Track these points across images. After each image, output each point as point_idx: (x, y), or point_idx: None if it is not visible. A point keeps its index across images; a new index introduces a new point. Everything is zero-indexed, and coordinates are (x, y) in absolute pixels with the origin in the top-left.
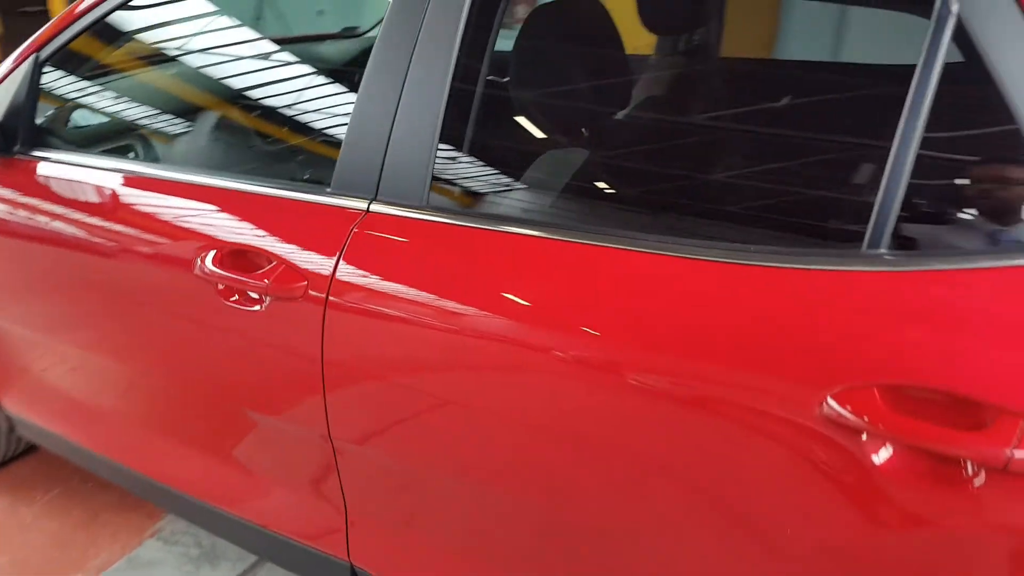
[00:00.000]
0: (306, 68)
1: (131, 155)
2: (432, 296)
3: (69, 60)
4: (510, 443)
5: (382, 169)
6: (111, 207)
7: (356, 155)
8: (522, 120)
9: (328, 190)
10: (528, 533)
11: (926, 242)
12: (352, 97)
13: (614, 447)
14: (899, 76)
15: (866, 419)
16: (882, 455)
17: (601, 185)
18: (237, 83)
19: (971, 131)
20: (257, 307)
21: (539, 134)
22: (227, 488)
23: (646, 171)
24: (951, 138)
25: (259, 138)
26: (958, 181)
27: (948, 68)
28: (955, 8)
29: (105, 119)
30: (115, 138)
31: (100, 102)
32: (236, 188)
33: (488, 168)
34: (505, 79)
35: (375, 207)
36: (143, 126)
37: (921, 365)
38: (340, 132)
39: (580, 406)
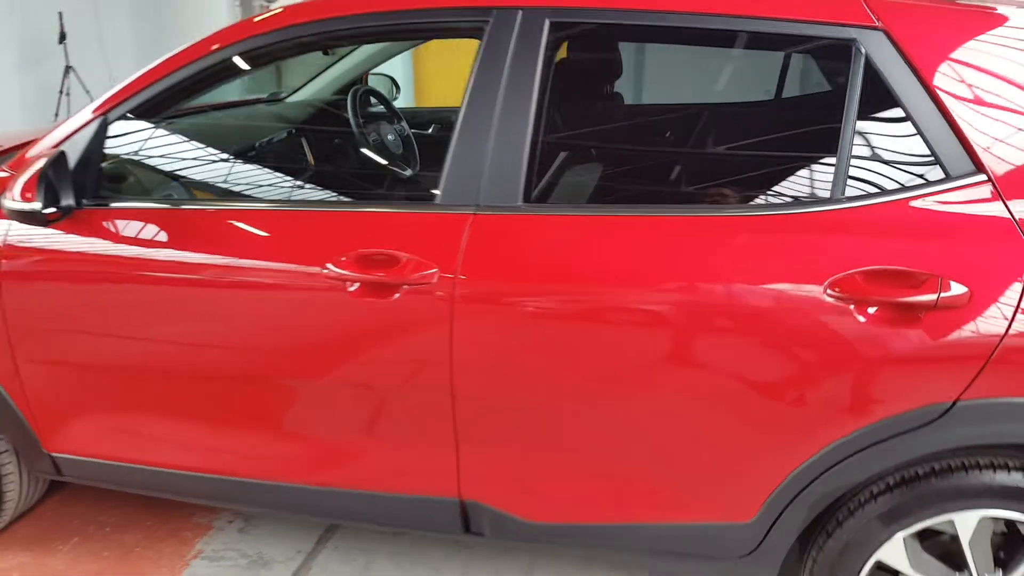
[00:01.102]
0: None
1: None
2: (530, 264)
3: (133, 120)
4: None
5: (482, 180)
6: (220, 239)
7: (459, 174)
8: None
9: (437, 203)
10: (607, 449)
11: None
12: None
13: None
14: None
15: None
16: None
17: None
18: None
19: None
20: (390, 296)
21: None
22: (343, 469)
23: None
24: None
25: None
26: None
27: None
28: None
29: (182, 166)
30: (205, 182)
31: (170, 152)
32: (353, 210)
33: (561, 177)
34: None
35: (482, 209)
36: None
37: None
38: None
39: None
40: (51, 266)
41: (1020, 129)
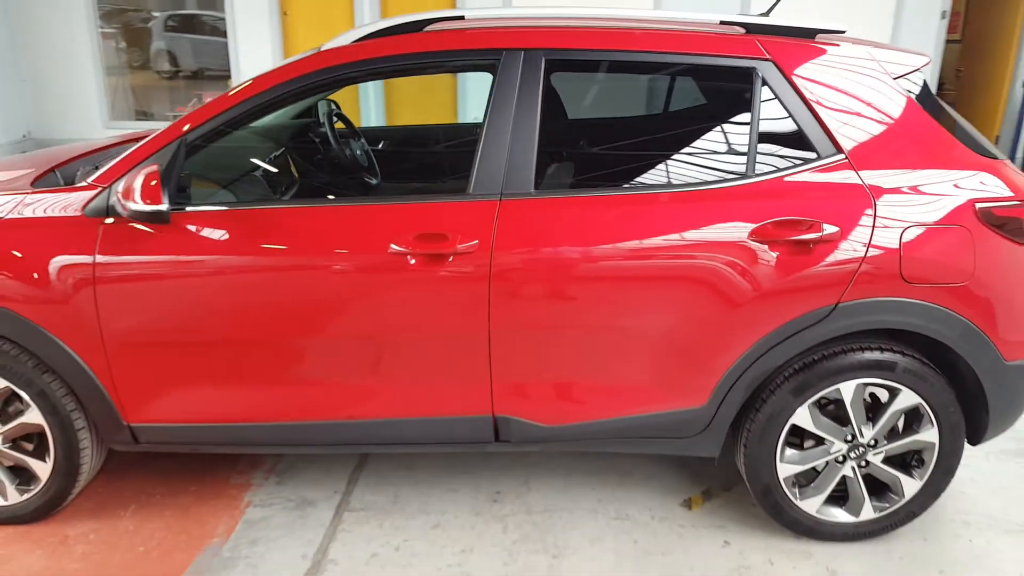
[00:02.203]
0: None
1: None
2: (542, 234)
3: (208, 138)
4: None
5: (505, 173)
6: (291, 233)
7: (487, 170)
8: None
9: (468, 193)
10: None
11: None
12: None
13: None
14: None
15: None
16: None
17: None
18: None
19: None
20: (442, 264)
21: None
22: (403, 402)
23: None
24: None
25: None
26: None
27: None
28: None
29: (248, 173)
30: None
31: (235, 163)
32: (403, 202)
33: (558, 170)
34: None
35: (512, 195)
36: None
37: None
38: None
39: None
40: (143, 262)
41: (858, 120)
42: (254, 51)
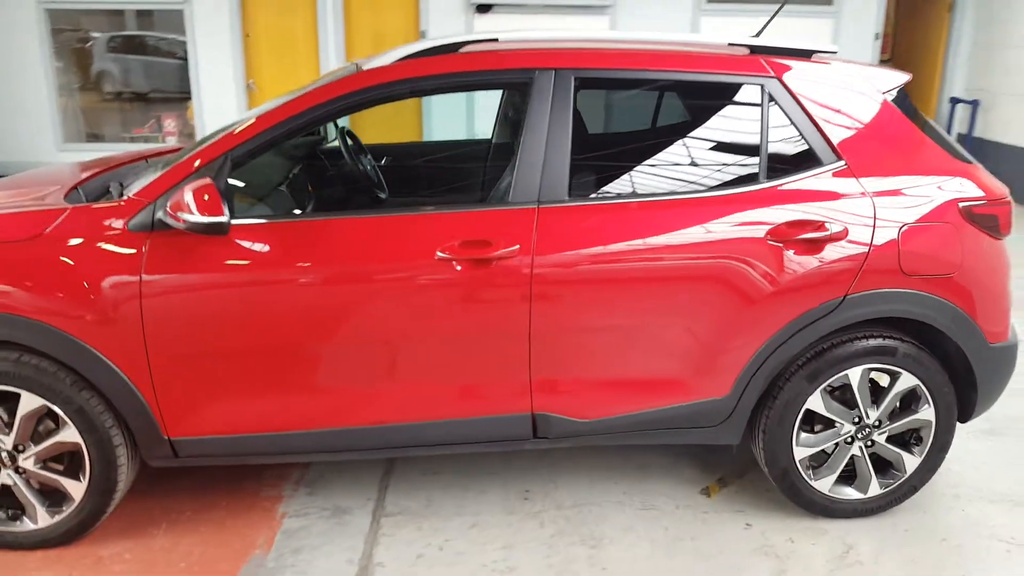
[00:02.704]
0: None
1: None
2: (578, 239)
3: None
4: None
5: (540, 183)
6: (347, 240)
7: (524, 181)
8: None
9: (507, 202)
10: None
11: None
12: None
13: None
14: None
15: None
16: None
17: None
18: None
19: None
20: (486, 268)
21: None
22: (449, 404)
23: None
24: None
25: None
26: None
27: None
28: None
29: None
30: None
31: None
32: (447, 211)
33: (588, 180)
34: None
35: (549, 203)
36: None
37: None
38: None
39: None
40: (192, 275)
41: (855, 131)
42: (215, 72)
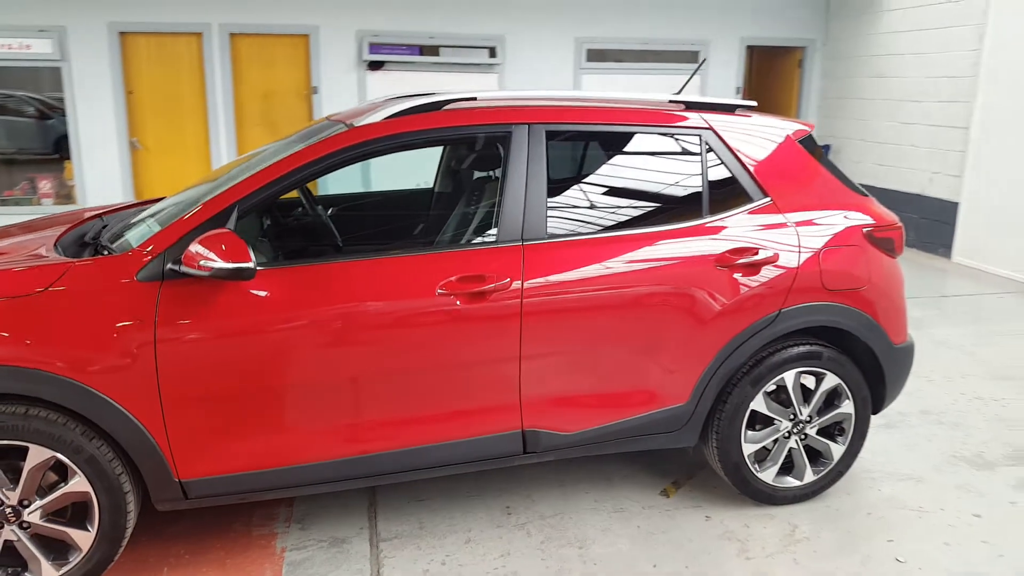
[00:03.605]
0: None
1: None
2: (558, 272)
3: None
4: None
5: (523, 224)
6: (346, 284)
7: (509, 223)
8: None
9: (495, 242)
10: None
11: None
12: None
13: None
14: None
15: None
16: None
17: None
18: None
19: None
20: (482, 301)
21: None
22: (448, 427)
23: None
24: None
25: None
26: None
27: None
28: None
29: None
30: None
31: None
32: (456, 250)
33: (562, 219)
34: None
35: (530, 241)
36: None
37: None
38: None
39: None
40: (204, 322)
41: (776, 172)
42: (97, 130)
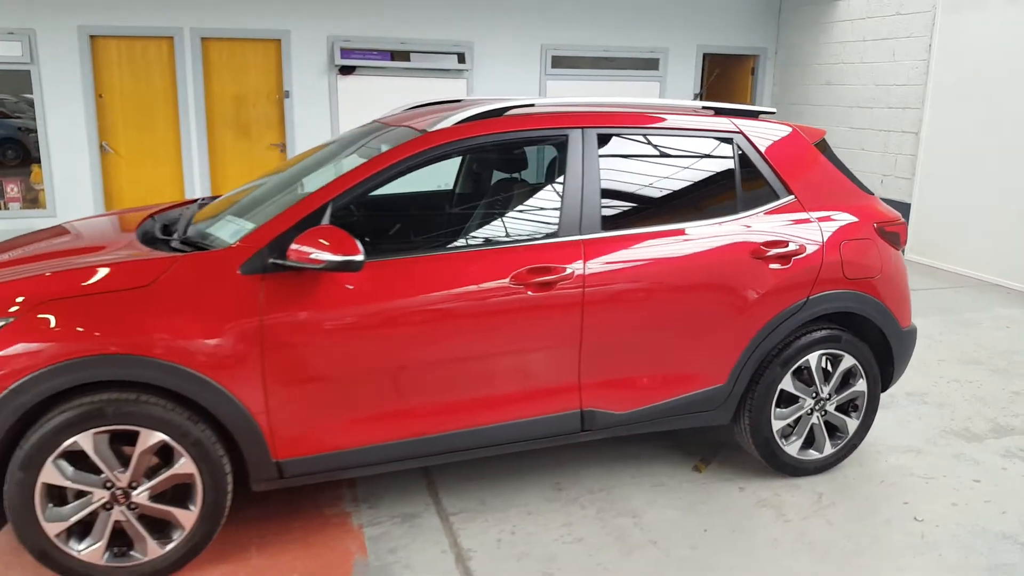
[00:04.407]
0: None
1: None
2: (619, 261)
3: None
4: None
5: (580, 220)
6: (432, 276)
7: (569, 219)
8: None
9: (556, 236)
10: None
11: None
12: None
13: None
14: None
15: None
16: None
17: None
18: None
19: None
20: (548, 290)
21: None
22: (518, 407)
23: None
24: None
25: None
26: None
27: None
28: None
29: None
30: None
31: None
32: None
33: (613, 214)
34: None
35: (588, 236)
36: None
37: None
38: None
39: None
40: (306, 311)
41: (799, 172)
42: (66, 134)
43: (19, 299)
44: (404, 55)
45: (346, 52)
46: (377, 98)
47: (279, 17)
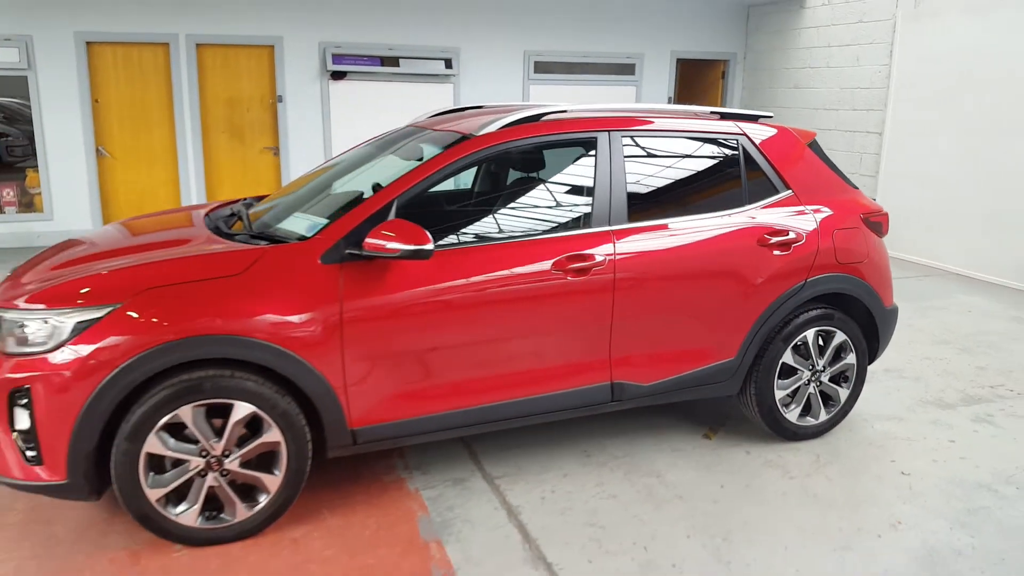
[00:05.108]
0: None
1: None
2: (640, 246)
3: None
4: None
5: (610, 212)
6: (486, 264)
7: (599, 212)
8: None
9: (590, 227)
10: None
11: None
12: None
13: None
14: None
15: None
16: None
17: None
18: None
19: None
20: (584, 276)
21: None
22: (555, 380)
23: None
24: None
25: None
26: None
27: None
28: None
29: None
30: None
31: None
32: (554, 236)
33: (638, 207)
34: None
35: (616, 227)
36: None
37: None
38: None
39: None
40: (381, 294)
41: (794, 169)
42: (63, 139)
43: (126, 287)
44: (393, 60)
45: (337, 58)
46: (368, 102)
47: (272, 24)
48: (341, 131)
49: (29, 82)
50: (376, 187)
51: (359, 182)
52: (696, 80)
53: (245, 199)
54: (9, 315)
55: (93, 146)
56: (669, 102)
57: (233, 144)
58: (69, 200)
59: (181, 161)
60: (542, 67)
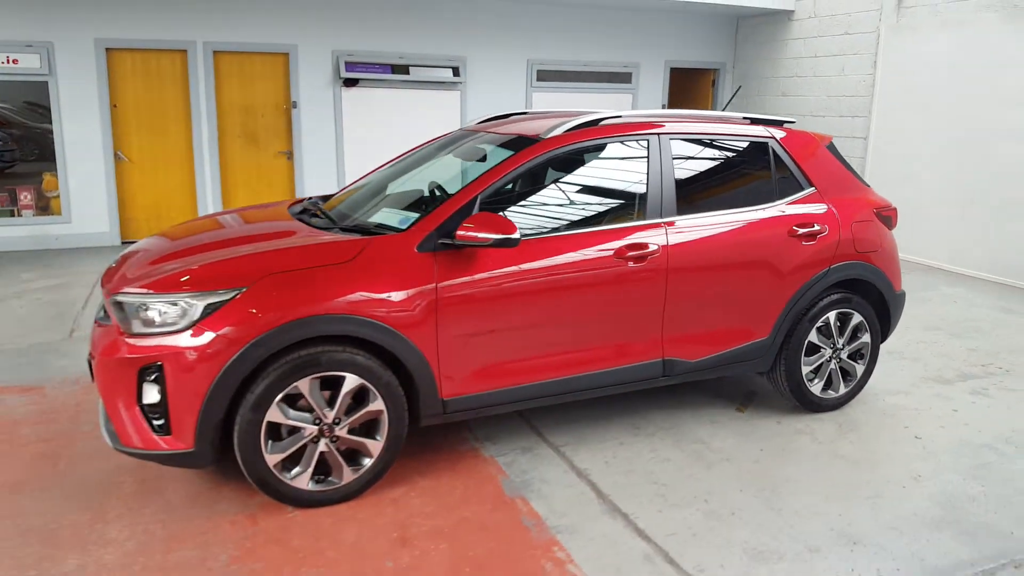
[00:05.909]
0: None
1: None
2: (688, 236)
3: (491, 196)
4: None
5: (661, 206)
6: (559, 251)
7: (653, 206)
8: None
9: (645, 220)
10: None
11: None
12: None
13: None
14: None
15: None
16: None
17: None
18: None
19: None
20: (642, 263)
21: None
22: (617, 356)
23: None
24: None
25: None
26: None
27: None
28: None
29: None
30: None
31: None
32: (614, 227)
33: (684, 202)
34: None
35: (668, 219)
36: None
37: None
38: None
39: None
40: (470, 278)
41: (816, 169)
42: (82, 143)
43: (251, 273)
44: (403, 68)
45: (350, 65)
46: (378, 108)
47: (287, 32)
48: (353, 136)
49: (49, 87)
50: (437, 186)
51: (430, 179)
52: (688, 88)
53: (310, 198)
54: (133, 300)
55: (111, 150)
56: (663, 108)
57: (248, 148)
58: (87, 203)
59: (197, 165)
60: (544, 75)
